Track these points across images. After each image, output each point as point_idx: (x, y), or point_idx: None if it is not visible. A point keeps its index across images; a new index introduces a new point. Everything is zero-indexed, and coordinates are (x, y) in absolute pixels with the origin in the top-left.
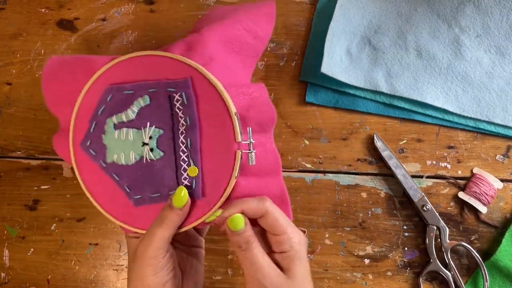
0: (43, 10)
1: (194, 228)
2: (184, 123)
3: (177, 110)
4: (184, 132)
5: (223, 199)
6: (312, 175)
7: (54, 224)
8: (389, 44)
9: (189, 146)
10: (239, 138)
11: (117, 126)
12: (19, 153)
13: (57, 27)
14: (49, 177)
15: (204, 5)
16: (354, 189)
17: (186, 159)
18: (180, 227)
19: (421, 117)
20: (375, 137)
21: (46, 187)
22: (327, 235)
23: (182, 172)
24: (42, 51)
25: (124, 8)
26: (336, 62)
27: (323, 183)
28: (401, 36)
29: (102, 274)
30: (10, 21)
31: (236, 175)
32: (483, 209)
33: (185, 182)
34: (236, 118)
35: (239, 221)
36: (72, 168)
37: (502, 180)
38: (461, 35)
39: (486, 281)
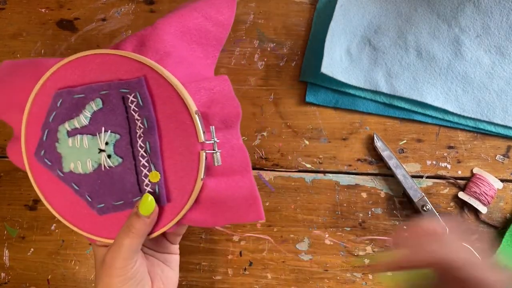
0: (43, 10)
1: (164, 234)
2: (142, 126)
3: (133, 112)
4: (142, 135)
5: (190, 202)
6: (312, 175)
7: (54, 224)
8: (389, 44)
9: (148, 150)
10: (201, 138)
11: (70, 133)
12: None
13: (57, 27)
14: None
15: None
16: (354, 189)
17: (147, 164)
18: (148, 234)
19: (421, 117)
20: (375, 137)
21: None
22: (327, 235)
23: (144, 178)
24: (42, 51)
25: (124, 8)
26: (336, 62)
27: (323, 183)
28: (401, 36)
29: None
30: (10, 21)
31: (202, 177)
32: (483, 209)
33: (148, 189)
34: (197, 117)
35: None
36: None
37: (502, 180)
38: (461, 35)
39: None
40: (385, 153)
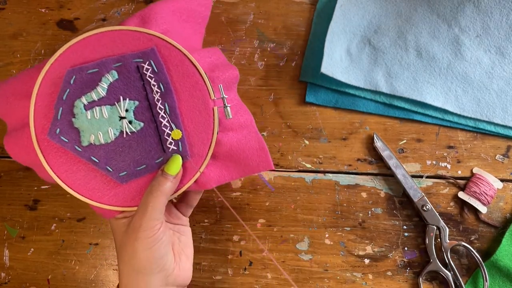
0: (43, 10)
1: (176, 205)
2: (158, 90)
3: (148, 79)
4: (160, 99)
5: (209, 154)
6: (312, 175)
7: (54, 224)
8: (389, 44)
9: (167, 111)
10: (213, 95)
11: (87, 107)
12: None
13: (57, 27)
14: None
15: None
16: (354, 189)
17: (167, 124)
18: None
19: (421, 117)
20: (375, 137)
21: (46, 187)
22: (327, 235)
23: (166, 137)
24: (42, 51)
25: (124, 8)
26: (336, 62)
27: (323, 183)
28: (401, 36)
29: (102, 274)
30: (10, 21)
31: (217, 130)
32: (483, 209)
33: (171, 147)
34: (206, 77)
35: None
36: None
37: (502, 180)
38: (461, 35)
39: (486, 281)
40: (385, 153)
